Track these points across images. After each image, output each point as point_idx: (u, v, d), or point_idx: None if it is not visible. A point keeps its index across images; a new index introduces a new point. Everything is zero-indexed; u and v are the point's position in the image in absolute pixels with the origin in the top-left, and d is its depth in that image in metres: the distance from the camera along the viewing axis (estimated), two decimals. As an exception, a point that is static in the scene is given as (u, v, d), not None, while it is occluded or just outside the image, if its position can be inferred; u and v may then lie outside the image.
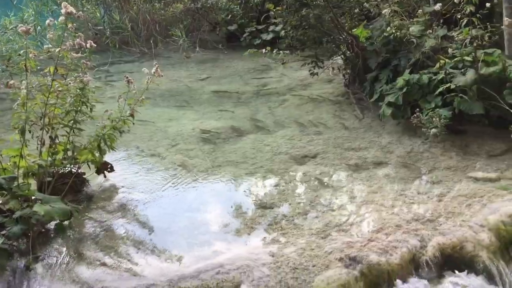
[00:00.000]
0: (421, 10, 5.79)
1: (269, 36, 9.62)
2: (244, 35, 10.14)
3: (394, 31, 5.50)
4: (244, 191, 4.09)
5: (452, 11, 4.96)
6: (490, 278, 2.92)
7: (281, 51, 6.43)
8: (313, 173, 4.29)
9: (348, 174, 4.25)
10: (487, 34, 4.85)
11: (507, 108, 4.44)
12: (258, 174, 4.35)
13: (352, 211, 3.59)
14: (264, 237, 3.34)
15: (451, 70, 4.88)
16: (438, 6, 5.23)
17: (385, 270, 2.82)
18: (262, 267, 2.92)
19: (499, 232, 3.14)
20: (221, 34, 10.69)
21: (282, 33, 6.83)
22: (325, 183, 4.11)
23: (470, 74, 4.66)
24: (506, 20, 4.80)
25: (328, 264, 2.88)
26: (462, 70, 4.83)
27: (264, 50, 6.40)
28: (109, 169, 4.25)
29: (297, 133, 5.29)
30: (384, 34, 5.71)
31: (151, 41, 10.04)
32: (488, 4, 4.70)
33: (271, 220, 3.57)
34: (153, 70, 4.00)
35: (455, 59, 4.98)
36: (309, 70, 6.58)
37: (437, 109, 4.71)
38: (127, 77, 4.02)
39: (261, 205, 3.80)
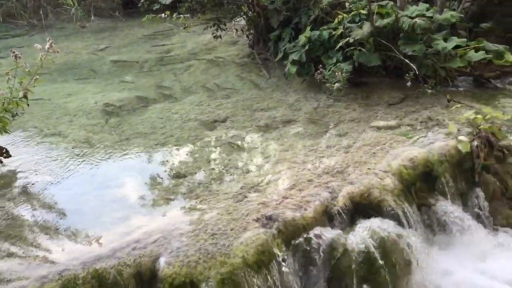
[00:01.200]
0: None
1: (168, 0, 9.25)
2: (142, 0, 9.66)
3: (294, -12, 5.52)
4: (156, 162, 3.98)
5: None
6: (396, 219, 3.11)
7: (181, 15, 6.23)
8: (224, 137, 4.27)
9: (259, 135, 4.28)
10: (380, -13, 5.01)
11: (402, 58, 4.67)
12: (169, 143, 4.24)
13: (266, 171, 3.63)
14: (181, 207, 3.28)
15: (349, 25, 5.01)
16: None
17: (300, 225, 2.89)
18: (180, 237, 2.87)
19: (402, 175, 3.34)
20: (117, 0, 10.12)
21: (181, -4, 6.60)
22: (238, 146, 4.11)
23: (366, 27, 4.82)
24: (395, -27, 4.99)
25: (245, 226, 2.90)
26: (359, 23, 4.98)
27: (163, 15, 6.15)
28: (4, 155, 3.92)
29: (205, 98, 5.21)
30: (284, -8, 5.71)
31: (40, 12, 9.27)
32: (378, -42, 4.85)
33: (187, 189, 3.51)
34: (47, 46, 3.68)
35: (352, 13, 5.12)
36: (212, 33, 6.45)
37: (339, 63, 4.84)
38: (14, 52, 3.67)
39: (175, 175, 3.72)
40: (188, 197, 3.41)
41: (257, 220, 2.94)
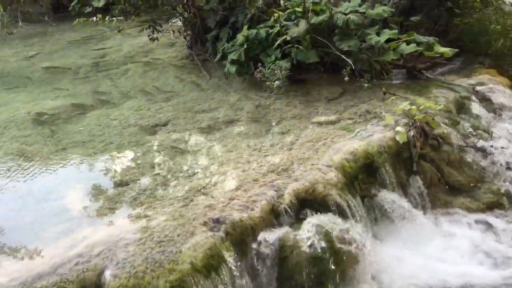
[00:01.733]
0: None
1: (100, 3, 8.90)
2: (73, 3, 9.26)
3: (227, -12, 5.50)
4: (97, 171, 3.84)
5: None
6: (341, 212, 3.17)
7: (114, 18, 6.05)
8: (167, 141, 4.19)
9: (202, 137, 4.23)
10: (312, -16, 5.09)
11: (338, 53, 4.77)
12: (109, 151, 4.11)
13: (211, 173, 3.59)
14: (126, 216, 3.18)
15: (285, 23, 5.06)
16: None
17: (248, 226, 2.88)
18: (126, 247, 2.78)
19: (344, 169, 3.41)
20: (46, 4, 9.70)
21: (113, -2, 6.42)
22: (181, 150, 4.04)
23: (302, 25, 4.88)
24: (327, -30, 5.08)
25: (193, 230, 2.85)
26: (295, 21, 5.04)
27: (95, 18, 5.95)
28: None
29: (145, 102, 5.09)
30: (218, -9, 5.68)
31: (-39, 19, 8.72)
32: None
33: (131, 197, 3.41)
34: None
35: (288, 11, 5.17)
36: (148, 36, 6.32)
37: (278, 61, 4.88)
38: None
39: (118, 183, 3.61)
40: (132, 205, 3.31)
41: (204, 223, 2.90)
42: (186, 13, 6.32)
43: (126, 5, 6.16)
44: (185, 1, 6.14)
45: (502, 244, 3.34)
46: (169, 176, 3.63)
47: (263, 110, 4.62)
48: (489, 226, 3.51)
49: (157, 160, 3.94)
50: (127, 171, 3.76)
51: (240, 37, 5.17)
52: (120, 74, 6.04)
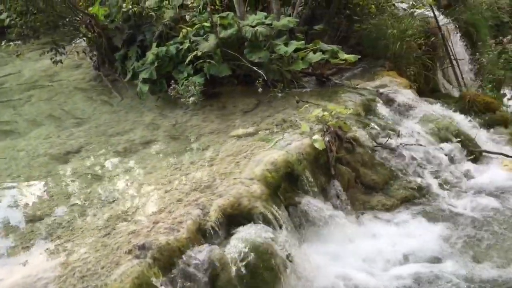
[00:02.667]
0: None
1: (-7, 27, 8.41)
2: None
3: (131, 6, 5.39)
4: (5, 208, 3.56)
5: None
6: (267, 223, 3.19)
7: (11, 42, 5.69)
8: (81, 168, 3.99)
9: (119, 160, 4.09)
10: (218, -2, 5.15)
11: (249, 65, 4.84)
12: (18, 185, 3.83)
13: (131, 198, 3.47)
14: (43, 252, 2.98)
15: (194, 38, 5.06)
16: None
17: (175, 248, 2.81)
18: (46, 287, 2.60)
19: (267, 180, 3.44)
20: None
21: (7, 21, 6.01)
22: (97, 176, 3.87)
23: (212, 39, 4.90)
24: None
25: (118, 260, 2.72)
26: (204, 36, 5.05)
27: (-12, 44, 5.57)
28: None
29: (53, 129, 4.83)
30: (123, 10, 5.55)
31: None
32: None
33: (47, 231, 3.20)
34: None
35: (196, 26, 5.17)
36: (51, 59, 6.00)
37: (191, 77, 4.86)
38: None
39: (31, 218, 3.38)
40: (49, 240, 3.11)
41: (129, 252, 2.78)
42: (90, 33, 6.09)
43: (23, 27, 5.81)
44: (87, 21, 5.92)
45: (416, 239, 3.52)
46: (86, 205, 3.46)
47: (180, 127, 4.57)
48: (404, 221, 3.71)
49: (72, 189, 3.74)
50: (40, 204, 3.54)
51: (150, 55, 5.09)
52: (23, 101, 5.68)
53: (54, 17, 5.82)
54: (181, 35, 5.12)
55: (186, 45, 5.02)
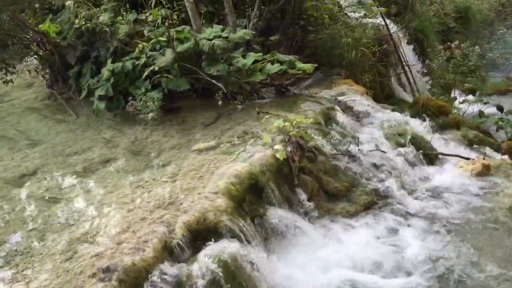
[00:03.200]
0: (106, -3, 5.71)
1: None
2: None
3: (84, 22, 5.28)
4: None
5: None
6: (234, 236, 3.17)
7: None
8: (38, 191, 3.85)
9: (78, 181, 3.98)
10: (175, 12, 5.11)
11: (208, 79, 4.83)
12: (-31, 212, 3.66)
13: (93, 219, 3.37)
14: (0, 282, 2.84)
15: (151, 53, 5.01)
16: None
17: (142, 268, 2.74)
18: (5, 319, 2.48)
19: (231, 193, 3.42)
20: None
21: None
22: (56, 198, 3.74)
23: (169, 54, 4.87)
24: (186, -3, 5.15)
25: (81, 285, 2.63)
26: (161, 51, 5.01)
27: None
28: None
29: (6, 151, 4.64)
30: (75, 26, 5.43)
31: None
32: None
33: (3, 260, 3.06)
34: None
35: (152, 41, 5.12)
36: (1, 78, 5.78)
37: (149, 92, 4.81)
38: None
39: (-15, 247, 3.22)
40: (6, 268, 2.98)
41: (93, 275, 2.70)
42: (41, 51, 5.92)
43: (-31, 47, 5.60)
44: (39, 38, 5.75)
45: (384, 245, 3.58)
46: (45, 229, 3.34)
47: (140, 143, 4.49)
48: (368, 226, 3.77)
49: (29, 213, 3.60)
50: (-5, 231, 3.38)
51: (105, 72, 4.99)
52: (-29, 123, 5.45)
53: (3, 36, 5.63)
54: (137, 50, 5.06)
55: (143, 60, 4.96)
